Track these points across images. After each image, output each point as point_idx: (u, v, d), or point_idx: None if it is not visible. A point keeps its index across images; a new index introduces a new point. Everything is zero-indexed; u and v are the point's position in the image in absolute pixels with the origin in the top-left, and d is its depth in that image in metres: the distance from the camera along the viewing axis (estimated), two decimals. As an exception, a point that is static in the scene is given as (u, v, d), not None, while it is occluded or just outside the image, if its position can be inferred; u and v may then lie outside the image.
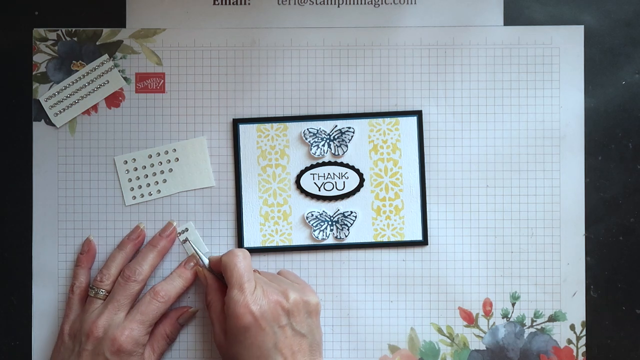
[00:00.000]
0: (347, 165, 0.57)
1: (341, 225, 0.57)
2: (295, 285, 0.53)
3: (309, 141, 0.57)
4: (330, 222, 0.57)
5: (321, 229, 0.57)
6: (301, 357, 0.50)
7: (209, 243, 0.57)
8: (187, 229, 0.57)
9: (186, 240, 0.57)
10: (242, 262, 0.51)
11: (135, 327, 0.52)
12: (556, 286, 0.57)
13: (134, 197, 0.57)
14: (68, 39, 0.57)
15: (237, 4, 0.57)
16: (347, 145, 0.57)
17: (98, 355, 0.51)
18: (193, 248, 0.55)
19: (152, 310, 0.53)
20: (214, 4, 0.57)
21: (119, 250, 0.55)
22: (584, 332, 0.57)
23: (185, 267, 0.55)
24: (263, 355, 0.49)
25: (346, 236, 0.57)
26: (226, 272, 0.51)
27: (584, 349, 0.57)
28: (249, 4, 0.57)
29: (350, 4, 0.57)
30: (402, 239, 0.57)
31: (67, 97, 0.57)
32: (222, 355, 0.52)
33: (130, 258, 0.56)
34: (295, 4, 0.57)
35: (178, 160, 0.57)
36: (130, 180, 0.57)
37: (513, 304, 0.57)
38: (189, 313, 0.56)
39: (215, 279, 0.54)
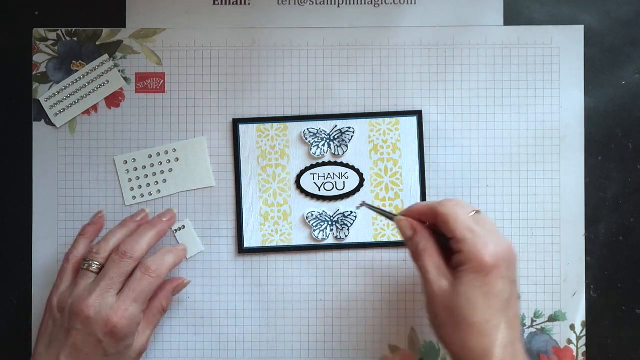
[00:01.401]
0: (347, 165, 0.57)
1: (341, 225, 0.57)
2: None
3: (309, 141, 0.57)
4: (330, 222, 0.57)
5: (321, 229, 0.57)
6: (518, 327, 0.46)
7: (208, 243, 0.57)
8: (184, 227, 0.57)
9: (179, 229, 0.56)
10: (463, 209, 0.47)
11: (130, 306, 0.50)
12: (556, 286, 0.57)
13: (134, 197, 0.57)
14: (68, 39, 0.57)
15: (237, 4, 0.57)
16: (347, 145, 0.57)
17: (89, 335, 0.49)
18: (374, 207, 0.53)
19: (145, 287, 0.51)
20: (214, 4, 0.57)
21: (120, 227, 0.54)
22: (584, 332, 0.57)
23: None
24: (495, 308, 0.45)
25: (346, 236, 0.57)
26: (449, 222, 0.47)
27: (584, 349, 0.57)
28: (249, 4, 0.57)
29: (350, 4, 0.57)
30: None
31: (67, 97, 0.57)
32: (436, 304, 0.47)
33: None
34: (295, 4, 0.57)
35: (178, 160, 0.57)
36: (130, 180, 0.57)
37: (513, 304, 0.57)
38: (183, 285, 0.55)
39: (423, 226, 0.49)
